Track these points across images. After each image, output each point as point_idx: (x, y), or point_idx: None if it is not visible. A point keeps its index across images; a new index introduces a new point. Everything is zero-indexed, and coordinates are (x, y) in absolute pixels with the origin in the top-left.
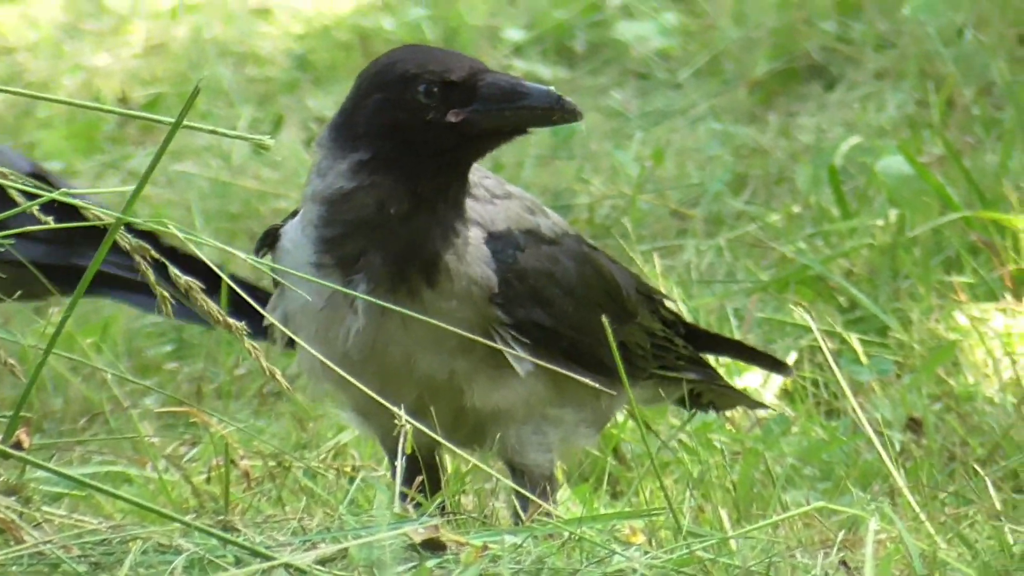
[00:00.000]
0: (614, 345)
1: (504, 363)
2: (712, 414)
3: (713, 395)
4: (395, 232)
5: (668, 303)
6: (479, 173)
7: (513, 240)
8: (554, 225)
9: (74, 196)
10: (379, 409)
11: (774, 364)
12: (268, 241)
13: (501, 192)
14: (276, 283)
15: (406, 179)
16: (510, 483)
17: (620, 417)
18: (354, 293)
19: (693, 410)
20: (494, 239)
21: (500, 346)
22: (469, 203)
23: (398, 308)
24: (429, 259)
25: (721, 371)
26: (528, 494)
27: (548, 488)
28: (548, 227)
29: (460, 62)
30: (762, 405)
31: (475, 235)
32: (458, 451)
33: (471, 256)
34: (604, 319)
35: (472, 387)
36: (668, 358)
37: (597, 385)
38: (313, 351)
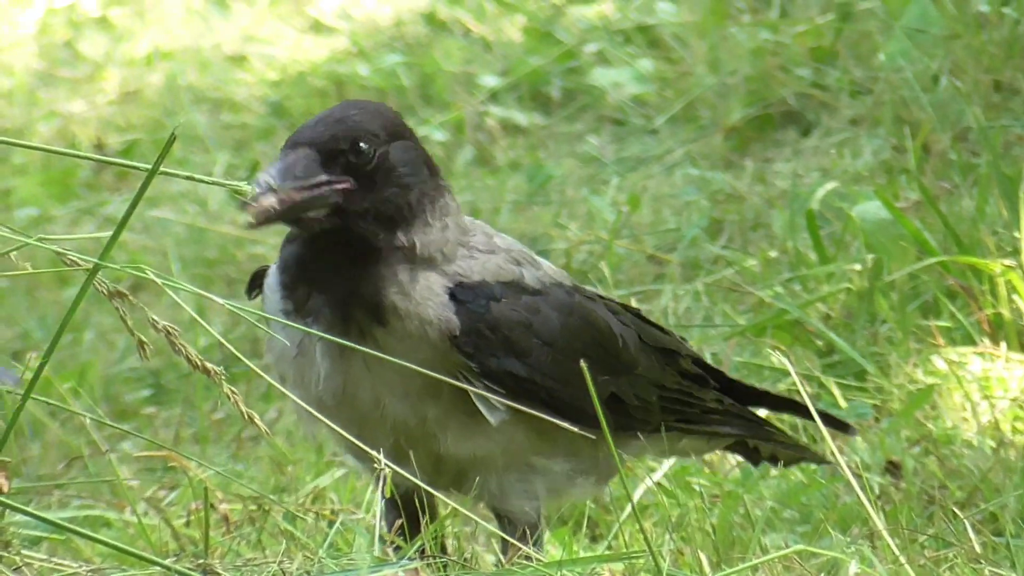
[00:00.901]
0: (594, 393)
1: (478, 411)
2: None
3: (772, 449)
4: (330, 276)
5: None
6: (474, 230)
7: (486, 291)
8: (544, 276)
9: (50, 242)
10: (362, 452)
11: (834, 423)
12: (257, 282)
13: (485, 247)
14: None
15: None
16: (490, 527)
17: None
18: (312, 331)
19: (759, 464)
20: (465, 288)
21: (466, 386)
22: (442, 257)
23: (351, 344)
24: (370, 299)
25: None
26: (508, 537)
27: (528, 532)
28: (534, 278)
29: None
30: (823, 460)
31: (433, 279)
32: (438, 494)
33: (421, 296)
34: (583, 365)
35: (446, 434)
36: (690, 412)
37: (577, 430)
38: (293, 396)
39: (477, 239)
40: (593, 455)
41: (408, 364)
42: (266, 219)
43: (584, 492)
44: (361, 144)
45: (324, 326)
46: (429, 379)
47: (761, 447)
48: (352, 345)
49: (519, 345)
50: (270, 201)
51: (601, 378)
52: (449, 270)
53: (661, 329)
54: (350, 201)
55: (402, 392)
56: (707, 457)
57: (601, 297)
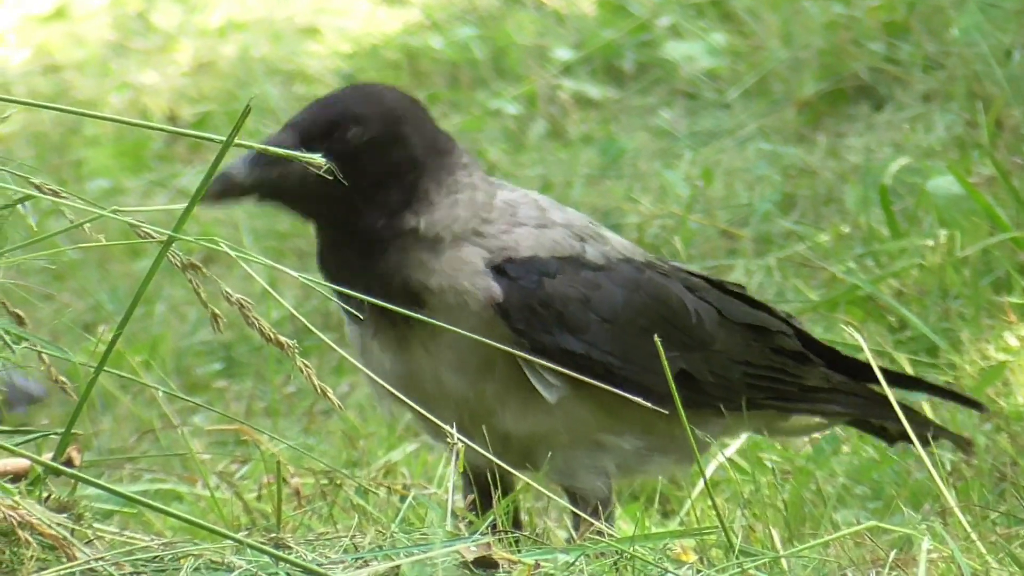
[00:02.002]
0: (667, 368)
1: (535, 388)
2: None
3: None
4: (363, 280)
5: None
6: (524, 204)
7: (538, 266)
8: (611, 251)
9: (123, 214)
10: (435, 428)
11: (966, 401)
12: None
13: (537, 221)
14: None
15: (334, 239)
16: (562, 501)
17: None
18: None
19: (894, 444)
20: (516, 264)
21: (518, 353)
22: (482, 237)
23: (405, 312)
24: (400, 285)
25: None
26: (580, 513)
27: (600, 508)
28: (598, 253)
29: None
30: (959, 439)
31: (466, 251)
32: (511, 469)
33: (451, 268)
34: (657, 341)
35: (505, 410)
36: (786, 389)
37: (643, 402)
38: (367, 371)
39: (526, 213)
40: (668, 433)
41: (461, 332)
42: (226, 192)
43: (662, 470)
44: (345, 130)
45: (373, 325)
46: (483, 353)
47: (888, 425)
48: (406, 312)
49: (575, 321)
50: (239, 176)
51: (669, 354)
52: (491, 244)
53: (757, 304)
54: (331, 184)
55: (458, 365)
56: None
57: (687, 272)
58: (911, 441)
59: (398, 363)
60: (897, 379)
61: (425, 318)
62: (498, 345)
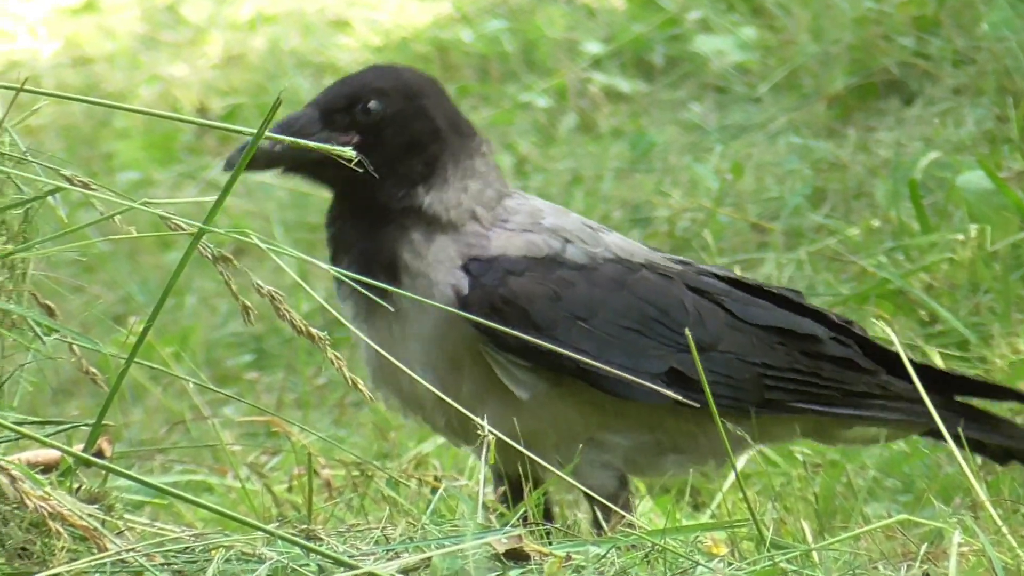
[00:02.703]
0: (700, 366)
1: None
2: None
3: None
4: (355, 239)
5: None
6: (520, 209)
7: (503, 264)
8: (601, 252)
9: (154, 206)
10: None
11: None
12: None
13: (522, 225)
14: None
15: (345, 206)
16: (591, 493)
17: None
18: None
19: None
20: (479, 262)
21: (486, 350)
22: (457, 219)
23: (378, 286)
24: (386, 257)
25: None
26: (611, 504)
27: (630, 500)
28: (582, 253)
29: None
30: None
31: (449, 244)
32: (540, 461)
33: (434, 257)
34: (689, 335)
35: (484, 411)
36: (823, 393)
37: (666, 392)
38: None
39: (519, 218)
40: (679, 430)
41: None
42: (252, 162)
43: (679, 468)
44: (366, 102)
45: (348, 288)
46: (448, 349)
47: (986, 439)
48: (377, 284)
49: (541, 318)
50: (265, 145)
51: (654, 353)
52: (467, 241)
53: (806, 310)
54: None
55: (425, 361)
56: None
57: (713, 274)
58: (1013, 456)
59: (372, 339)
60: (980, 388)
61: (392, 288)
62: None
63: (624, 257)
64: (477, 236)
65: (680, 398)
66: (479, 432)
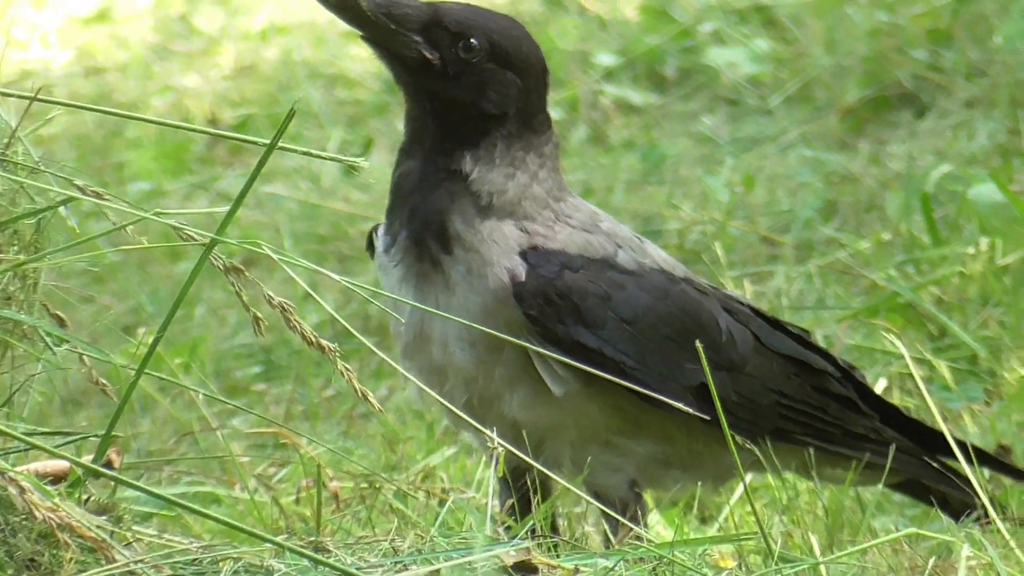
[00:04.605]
0: (710, 378)
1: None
2: None
3: (961, 497)
4: (410, 204)
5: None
6: (581, 209)
7: (562, 258)
8: (649, 261)
9: (166, 217)
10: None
11: (1004, 468)
12: (371, 236)
13: (582, 225)
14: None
15: (412, 142)
16: (600, 505)
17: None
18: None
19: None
20: (539, 252)
21: (525, 344)
22: (526, 222)
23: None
24: (440, 224)
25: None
26: (619, 517)
27: (638, 512)
28: (632, 259)
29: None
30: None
31: (506, 226)
32: (546, 472)
33: (488, 234)
34: (699, 346)
35: (513, 396)
36: (825, 429)
37: (675, 404)
38: (401, 369)
39: (580, 216)
40: (688, 447)
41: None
42: (346, 6)
43: (681, 486)
44: (468, 38)
45: (401, 252)
46: (492, 329)
47: (949, 493)
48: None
49: (591, 316)
50: (364, 2)
51: (689, 367)
52: (528, 227)
53: (814, 348)
54: (427, 73)
55: (467, 339)
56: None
57: (736, 300)
58: (972, 511)
59: (413, 318)
60: (968, 453)
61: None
62: (502, 335)
63: (667, 269)
64: (543, 226)
65: (707, 417)
66: (490, 444)
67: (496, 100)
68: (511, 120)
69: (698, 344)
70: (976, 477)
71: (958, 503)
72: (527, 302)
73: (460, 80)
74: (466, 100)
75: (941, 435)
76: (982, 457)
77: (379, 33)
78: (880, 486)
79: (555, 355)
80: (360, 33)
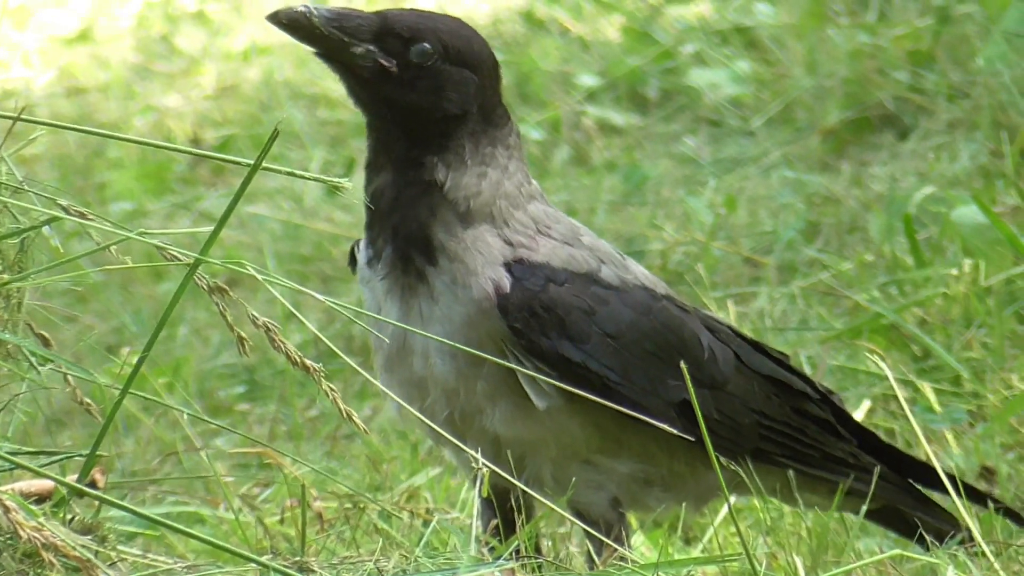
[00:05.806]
0: (694, 397)
1: (526, 392)
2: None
3: (936, 525)
4: (392, 222)
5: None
6: (561, 222)
7: (547, 271)
8: (632, 277)
9: (150, 237)
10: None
11: (1009, 513)
12: (352, 252)
13: (564, 238)
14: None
15: (377, 156)
16: (583, 525)
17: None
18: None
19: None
20: (524, 266)
21: (509, 363)
22: (507, 231)
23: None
24: (424, 238)
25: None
26: (603, 538)
27: (623, 532)
28: (615, 275)
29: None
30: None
31: (489, 236)
32: (531, 492)
33: (472, 243)
34: (683, 367)
35: (495, 411)
36: (804, 451)
37: (654, 422)
38: (384, 388)
39: (561, 229)
40: (668, 466)
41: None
42: (298, 26)
43: (663, 506)
44: (420, 41)
45: (387, 267)
46: (475, 342)
47: (923, 520)
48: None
49: (576, 330)
50: (318, 22)
51: (671, 383)
52: (512, 238)
53: (795, 372)
54: (385, 81)
55: (448, 350)
56: None
57: (715, 320)
58: (942, 541)
59: (402, 319)
60: (919, 471)
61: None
62: (483, 354)
63: (649, 286)
64: (525, 236)
65: (690, 437)
66: (474, 464)
67: (456, 100)
68: (473, 117)
69: (683, 365)
70: (961, 501)
71: (933, 532)
72: (512, 314)
73: (418, 85)
74: (427, 104)
75: (917, 462)
76: (966, 487)
77: (333, 48)
78: (861, 513)
79: (531, 372)
80: (314, 50)
